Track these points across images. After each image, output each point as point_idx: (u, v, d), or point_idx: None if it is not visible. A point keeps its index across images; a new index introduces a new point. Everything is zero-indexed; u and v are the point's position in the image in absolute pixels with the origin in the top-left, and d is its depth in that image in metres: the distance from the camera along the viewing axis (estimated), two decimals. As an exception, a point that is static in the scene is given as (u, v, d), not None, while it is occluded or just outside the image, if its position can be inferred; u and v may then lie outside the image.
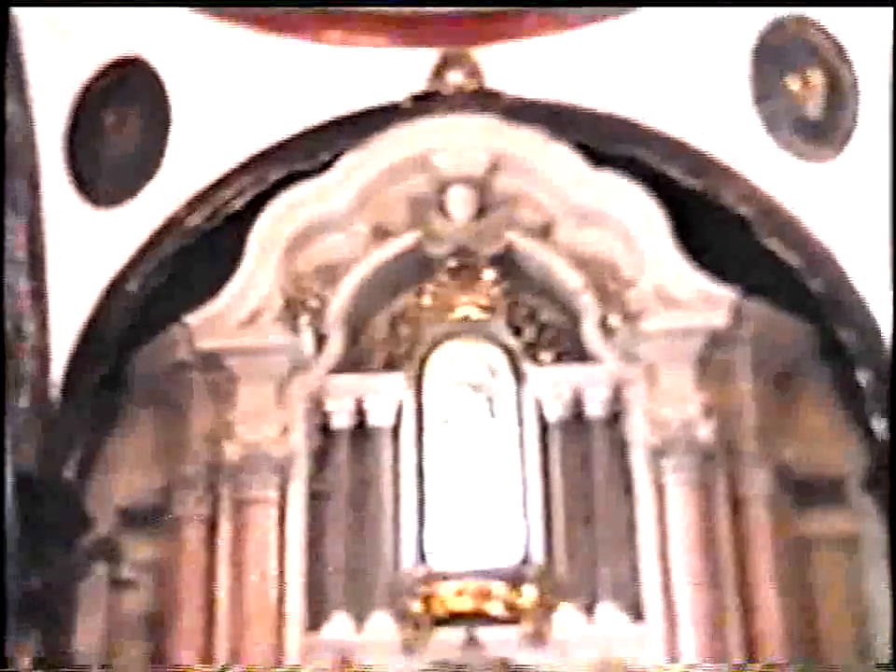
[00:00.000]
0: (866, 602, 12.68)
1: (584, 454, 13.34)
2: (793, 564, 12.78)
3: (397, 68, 13.64)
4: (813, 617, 12.66)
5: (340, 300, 13.63)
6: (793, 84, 12.22)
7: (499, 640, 12.48)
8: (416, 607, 12.75)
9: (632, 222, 13.43)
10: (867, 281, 12.35)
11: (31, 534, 12.31)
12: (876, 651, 12.57)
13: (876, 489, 12.53)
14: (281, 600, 12.75)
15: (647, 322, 13.08)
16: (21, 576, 12.19)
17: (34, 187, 12.23)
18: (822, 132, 12.17)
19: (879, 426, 12.41)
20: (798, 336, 13.20)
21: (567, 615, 12.69)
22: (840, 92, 11.79)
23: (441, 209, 13.89)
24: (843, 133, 11.89)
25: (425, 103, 13.79)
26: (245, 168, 13.58)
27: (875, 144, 11.51)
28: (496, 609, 12.66)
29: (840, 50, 11.56)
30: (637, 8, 13.18)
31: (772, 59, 12.38)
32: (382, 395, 13.64)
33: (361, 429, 13.65)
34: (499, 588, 12.75)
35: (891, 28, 8.11)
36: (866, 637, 12.64)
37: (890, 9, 8.31)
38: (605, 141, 13.55)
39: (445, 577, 12.96)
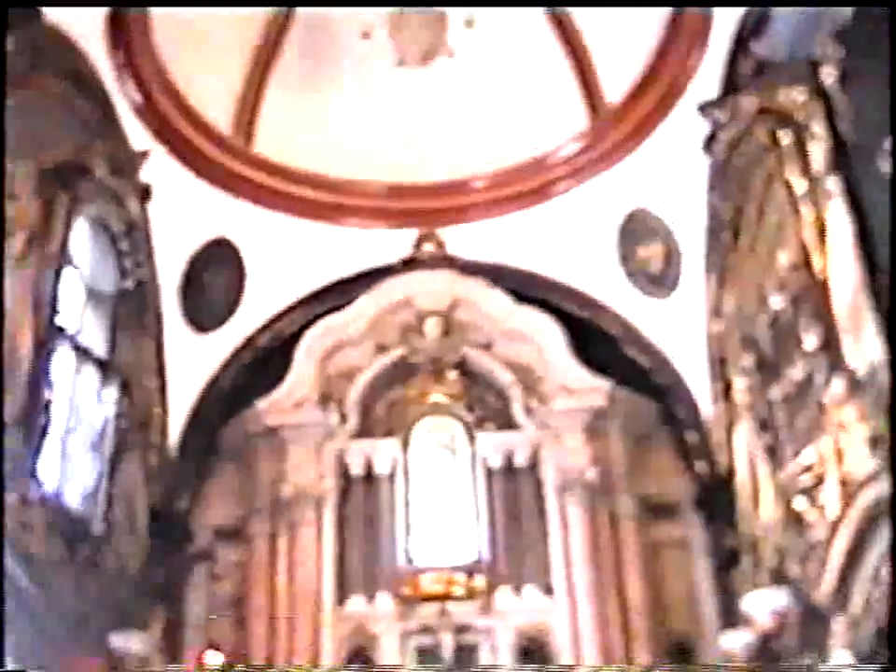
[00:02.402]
0: (693, 580, 14.61)
1: (514, 489, 15.24)
2: (648, 558, 14.76)
3: (391, 243, 15.89)
4: (660, 590, 14.63)
5: (355, 391, 15.70)
6: (642, 251, 14.70)
7: (461, 611, 14.45)
8: (406, 590, 14.62)
9: (542, 340, 15.58)
10: (691, 374, 14.52)
11: (157, 545, 13.92)
12: (704, 616, 14.35)
13: (700, 509, 14.60)
14: (318, 586, 14.63)
15: (553, 403, 15.23)
16: (153, 573, 13.81)
17: (158, 320, 14.34)
18: (660, 281, 14.61)
19: (701, 467, 14.40)
20: (649, 411, 15.32)
21: (504, 594, 14.55)
22: (670, 257, 14.30)
23: (420, 332, 15.86)
24: (672, 282, 14.38)
25: (409, 264, 15.90)
26: (294, 307, 15.72)
27: (692, 289, 13.93)
28: (458, 591, 14.63)
29: (668, 232, 14.15)
30: (550, 200, 15.32)
31: (629, 236, 14.73)
32: (383, 453, 15.52)
33: (370, 476, 15.44)
34: (460, 577, 14.72)
35: (890, 28, 8.08)
36: (694, 603, 14.52)
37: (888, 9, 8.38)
38: (525, 288, 15.71)
39: (425, 570, 14.80)
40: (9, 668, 8.01)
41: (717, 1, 12.67)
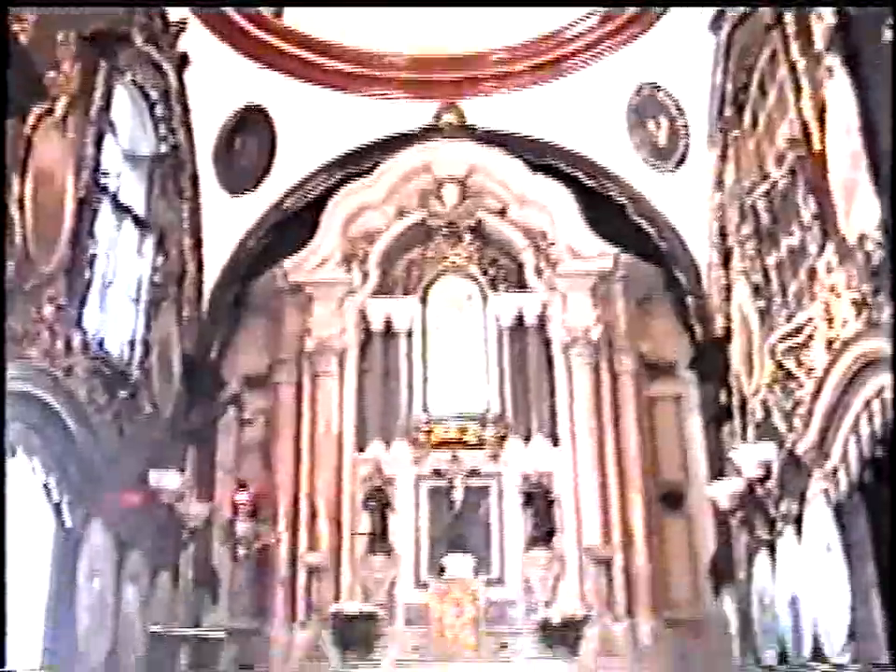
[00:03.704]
0: (686, 434, 14.94)
1: (523, 347, 15.43)
2: (645, 412, 15.07)
3: (413, 112, 15.73)
4: (655, 442, 14.95)
5: (376, 252, 15.85)
6: (650, 124, 14.53)
7: (472, 458, 14.72)
8: (422, 437, 14.92)
9: (554, 206, 15.56)
10: (694, 242, 14.48)
11: (189, 391, 14.19)
12: (695, 466, 14.66)
13: (695, 368, 14.79)
14: (340, 433, 14.94)
15: (562, 266, 15.34)
16: (186, 417, 14.10)
17: (194, 183, 14.39)
18: (667, 154, 14.50)
19: (698, 330, 14.50)
20: (652, 275, 15.40)
21: (513, 443, 14.81)
22: (676, 131, 14.14)
23: (439, 197, 15.92)
24: (679, 156, 14.28)
25: (429, 132, 15.82)
26: (320, 171, 15.70)
27: (697, 162, 13.81)
28: (470, 439, 14.89)
29: (676, 108, 13.95)
30: (564, 74, 15.03)
31: (638, 109, 14.54)
32: (401, 311, 15.70)
33: (389, 332, 15.65)
34: (472, 426, 14.96)
35: (891, 28, 7.78)
36: (686, 454, 14.86)
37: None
38: (539, 157, 15.65)
39: (439, 419, 15.05)
40: (9, 669, 8.01)
41: (717, 1, 12.68)
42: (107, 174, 11.82)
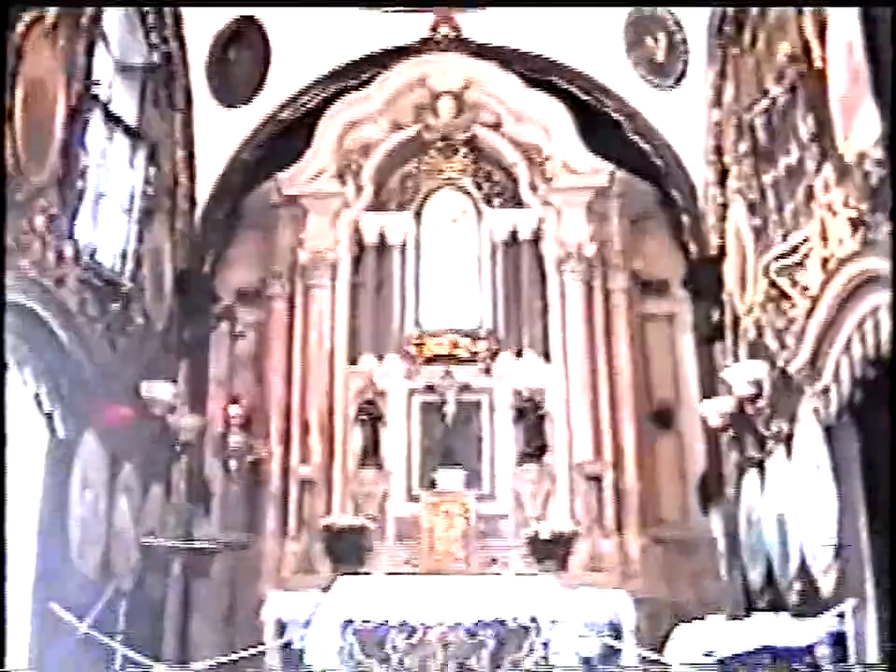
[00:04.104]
0: (678, 352, 14.96)
1: (517, 262, 15.37)
2: (637, 330, 15.08)
3: (409, 25, 15.42)
4: (647, 360, 14.99)
5: (371, 165, 15.64)
6: (648, 40, 14.26)
7: (464, 373, 14.71)
8: (414, 351, 14.90)
9: (550, 121, 15.36)
10: (690, 160, 14.38)
11: (182, 304, 14.24)
12: (686, 384, 14.71)
13: (688, 287, 14.75)
14: (332, 346, 14.89)
15: (557, 182, 15.20)
16: (179, 330, 14.20)
17: (187, 94, 14.15)
18: (665, 71, 14.28)
19: (692, 248, 14.44)
20: (647, 193, 15.27)
21: (505, 358, 14.83)
22: (675, 48, 13.91)
23: (434, 111, 15.68)
24: (677, 73, 14.07)
25: (426, 45, 15.55)
26: (316, 84, 15.37)
27: (695, 80, 13.65)
28: (462, 354, 14.86)
29: (677, 22, 13.70)
30: None
31: (636, 26, 14.31)
32: (395, 225, 15.61)
33: (382, 245, 15.55)
34: (464, 341, 14.91)
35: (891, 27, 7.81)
36: (677, 373, 14.88)
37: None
38: (535, 71, 15.36)
39: (431, 334, 15.00)
40: (9, 669, 8.00)
41: (717, 1, 12.56)
42: (99, 83, 11.69)
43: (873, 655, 8.79)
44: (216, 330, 15.32)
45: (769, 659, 9.14)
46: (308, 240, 15.38)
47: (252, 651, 11.29)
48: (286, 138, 15.49)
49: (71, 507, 10.40)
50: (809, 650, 9.14)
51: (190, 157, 14.63)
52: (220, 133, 14.88)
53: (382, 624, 9.76)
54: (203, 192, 15.01)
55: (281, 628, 11.41)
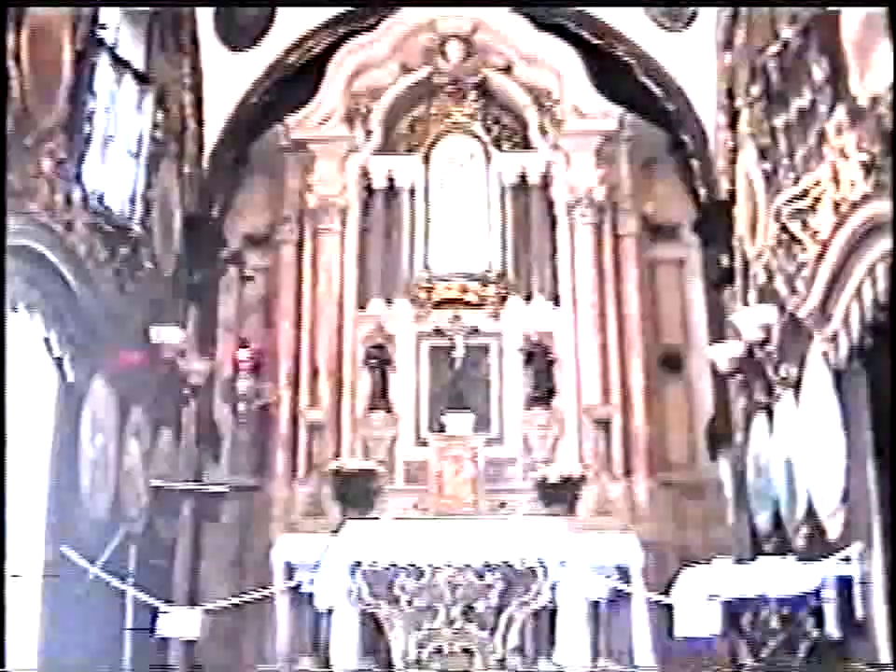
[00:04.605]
0: (687, 297, 15.01)
1: (526, 206, 15.34)
2: (647, 275, 15.09)
3: None
4: (656, 305, 15.01)
5: (380, 109, 15.60)
6: None
7: (472, 317, 14.75)
8: (422, 295, 14.99)
9: (560, 64, 15.28)
10: (701, 104, 14.20)
11: (190, 249, 14.20)
12: (695, 329, 14.79)
13: (698, 232, 14.71)
14: (341, 291, 14.96)
15: (567, 126, 15.17)
16: (189, 274, 14.19)
17: (194, 38, 14.07)
18: (676, 14, 14.10)
19: (703, 193, 14.27)
20: (657, 137, 15.11)
21: (514, 302, 14.89)
22: None
23: (443, 54, 15.55)
24: (688, 15, 13.96)
25: None
26: (324, 27, 15.10)
27: (707, 24, 13.56)
28: (471, 298, 14.95)
29: None
30: None
31: None
32: (404, 169, 15.59)
33: (392, 189, 15.54)
34: (473, 285, 15.00)
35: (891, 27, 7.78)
36: (686, 318, 14.95)
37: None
38: (545, 15, 15.17)
39: (441, 278, 15.09)
40: (9, 669, 7.94)
41: (716, 1, 12.50)
42: (105, 27, 11.49)
43: (878, 598, 8.80)
44: (224, 275, 15.32)
45: (775, 602, 9.19)
46: (316, 184, 15.34)
47: (261, 593, 11.42)
48: (293, 82, 15.34)
49: (82, 451, 10.42)
50: (815, 593, 9.17)
51: (198, 101, 14.52)
52: (228, 77, 14.74)
53: (390, 567, 9.82)
54: (212, 137, 14.87)
55: (290, 571, 11.42)
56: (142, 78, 12.85)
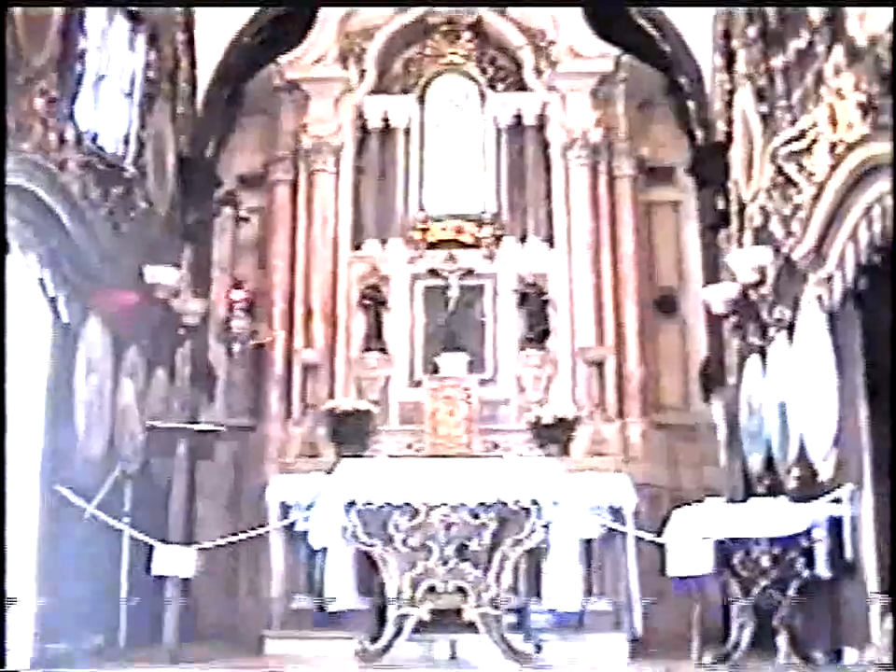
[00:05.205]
0: (682, 240, 15.01)
1: (521, 148, 15.22)
2: (642, 217, 15.04)
3: None
4: (651, 247, 15.01)
5: (374, 48, 15.39)
6: None
7: (467, 257, 14.73)
8: (417, 236, 14.89)
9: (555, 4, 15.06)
10: (697, 45, 14.08)
11: (184, 189, 14.18)
12: (690, 271, 14.80)
13: (694, 174, 14.68)
14: (336, 231, 14.92)
15: (562, 66, 15.05)
16: (183, 214, 14.21)
17: None
18: None
19: (699, 135, 14.28)
20: (653, 79, 15.05)
21: (508, 243, 14.83)
22: None
23: None
24: None
25: None
26: None
27: None
28: (466, 239, 14.85)
29: None
30: None
31: None
32: (399, 109, 15.43)
33: (387, 129, 15.39)
34: (468, 226, 14.90)
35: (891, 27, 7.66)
36: (681, 259, 14.97)
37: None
38: None
39: (436, 219, 14.99)
40: (9, 669, 7.92)
41: (716, 1, 12.54)
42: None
43: (868, 539, 8.88)
44: (219, 216, 15.28)
45: (766, 542, 9.24)
46: (311, 124, 15.21)
47: (256, 532, 11.50)
48: (287, 22, 15.14)
49: (76, 391, 10.40)
50: (806, 534, 9.24)
51: (191, 40, 14.36)
52: (220, 16, 14.53)
53: (384, 506, 9.82)
54: (205, 77, 14.74)
55: (285, 510, 11.53)
56: (134, 17, 12.71)
